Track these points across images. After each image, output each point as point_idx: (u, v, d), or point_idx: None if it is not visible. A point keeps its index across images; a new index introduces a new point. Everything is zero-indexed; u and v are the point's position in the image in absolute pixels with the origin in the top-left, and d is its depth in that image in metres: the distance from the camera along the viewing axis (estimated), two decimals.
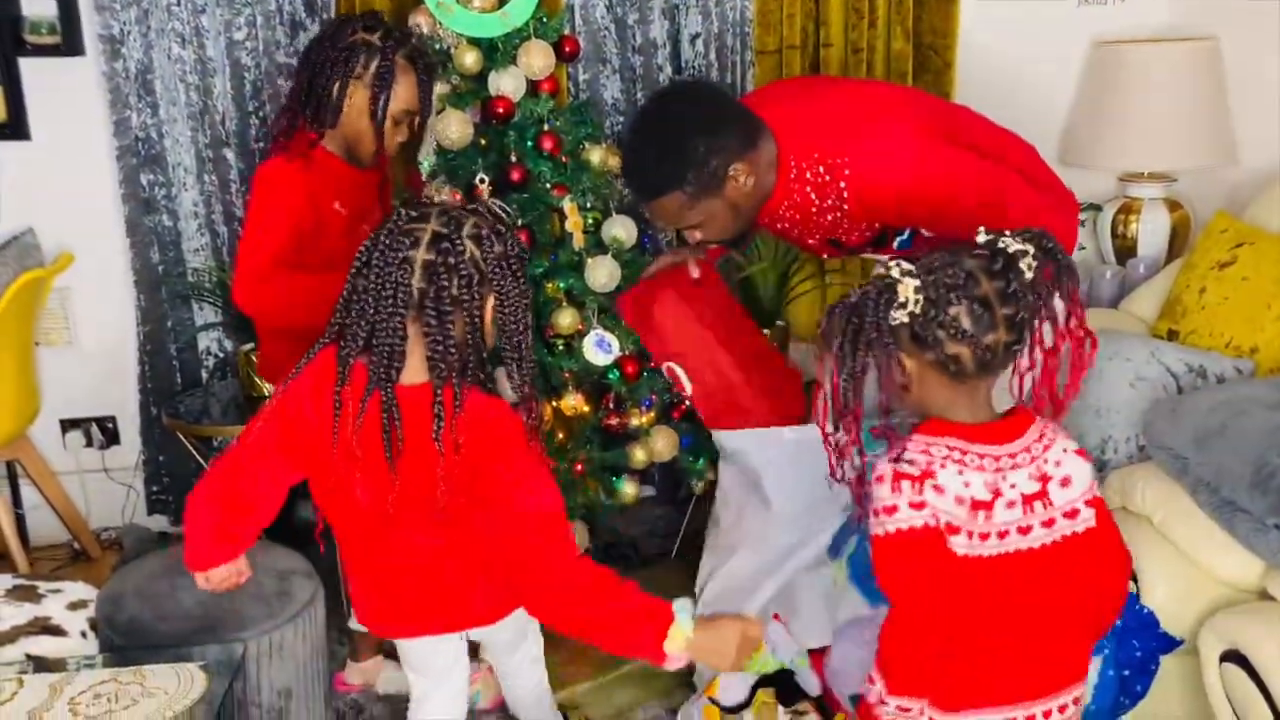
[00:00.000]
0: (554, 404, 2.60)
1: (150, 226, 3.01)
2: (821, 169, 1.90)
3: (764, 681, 2.08)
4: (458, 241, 1.51)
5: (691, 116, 1.92)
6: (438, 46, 2.50)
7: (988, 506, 1.40)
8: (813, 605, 1.93)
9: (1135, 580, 1.85)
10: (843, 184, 1.91)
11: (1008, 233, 1.42)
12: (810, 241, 2.08)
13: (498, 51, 2.52)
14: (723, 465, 2.34)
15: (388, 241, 1.51)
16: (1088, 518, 1.45)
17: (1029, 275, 1.39)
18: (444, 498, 1.55)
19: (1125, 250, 3.09)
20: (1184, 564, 1.83)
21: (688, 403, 2.39)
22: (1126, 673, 1.72)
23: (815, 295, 3.15)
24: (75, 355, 3.12)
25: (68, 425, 3.18)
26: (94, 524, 3.20)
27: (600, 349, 2.55)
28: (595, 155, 2.61)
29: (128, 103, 2.92)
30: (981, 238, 1.43)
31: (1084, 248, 3.14)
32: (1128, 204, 3.09)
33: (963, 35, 3.12)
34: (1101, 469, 2.12)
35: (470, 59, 2.50)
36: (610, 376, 2.61)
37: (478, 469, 1.55)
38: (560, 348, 2.60)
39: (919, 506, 1.39)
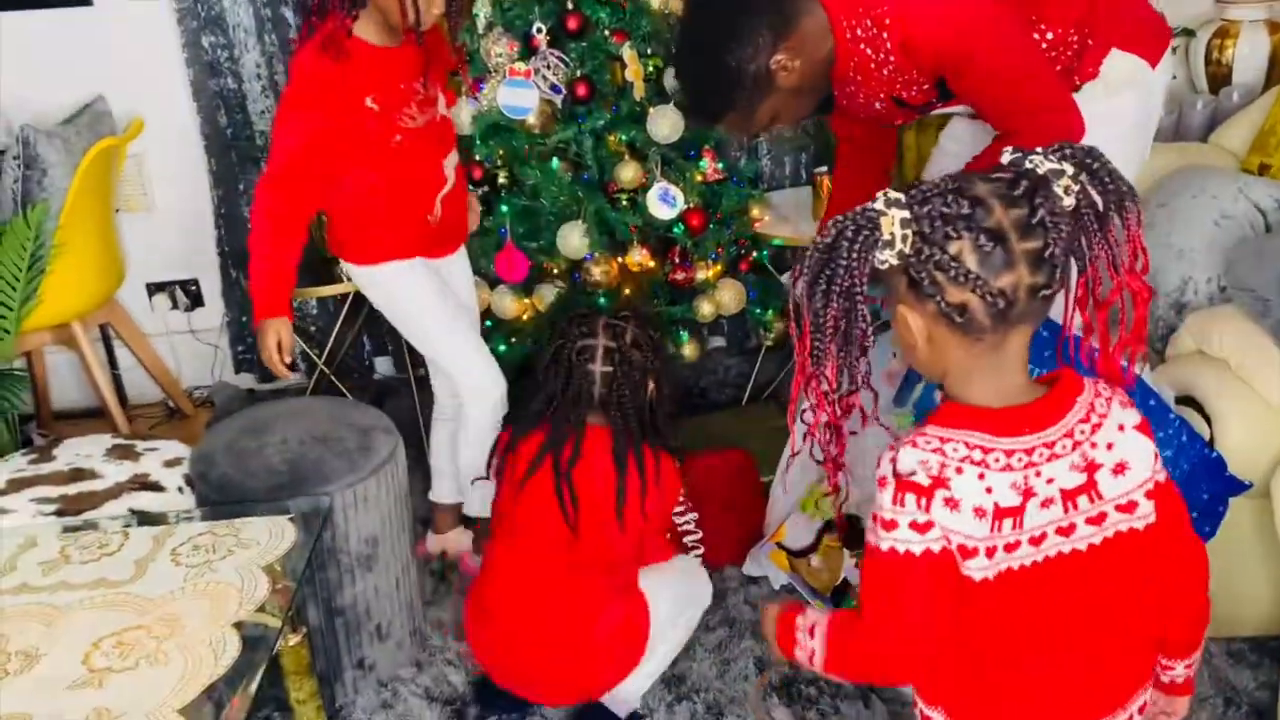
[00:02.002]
0: (620, 259, 2.60)
1: (216, 90, 3.02)
2: (869, 21, 1.80)
3: (829, 527, 2.13)
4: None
5: (713, 30, 1.81)
6: None
7: (1017, 513, 1.14)
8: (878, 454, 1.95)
9: (1209, 423, 1.82)
10: (885, 34, 1.82)
11: (1040, 150, 1.15)
12: (877, 104, 2.00)
13: None
14: None
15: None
16: (1147, 513, 1.19)
17: (1068, 200, 1.12)
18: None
19: (1220, 78, 2.92)
20: (1262, 408, 1.79)
21: None
22: (1195, 515, 1.71)
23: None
24: (155, 220, 3.19)
25: (154, 289, 3.28)
26: (185, 383, 3.33)
27: (665, 202, 2.53)
28: (676, 88, 2.51)
29: None
30: (1006, 157, 1.16)
31: (1175, 77, 2.98)
32: (1224, 27, 2.91)
33: None
34: (1180, 311, 2.06)
35: None
36: (675, 230, 2.60)
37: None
38: (624, 202, 2.58)
39: (924, 529, 1.13)
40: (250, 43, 2.99)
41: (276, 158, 2.04)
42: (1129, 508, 1.18)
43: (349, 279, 2.52)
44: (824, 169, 2.76)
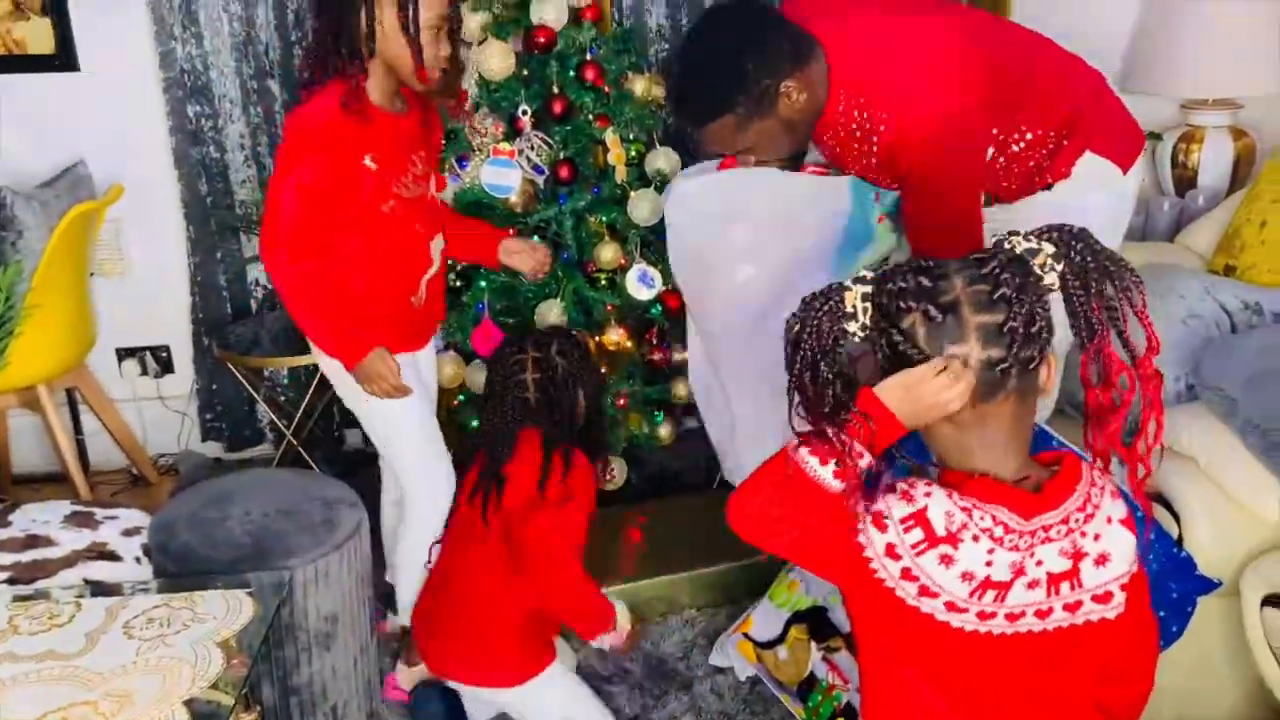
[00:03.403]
0: (597, 339, 2.60)
1: (198, 158, 3.04)
2: (866, 114, 1.87)
3: (797, 618, 2.10)
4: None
5: (737, 37, 1.87)
6: None
7: (1003, 588, 1.17)
8: None
9: (1177, 520, 1.83)
10: (875, 138, 1.89)
11: (1021, 232, 1.19)
12: (854, 170, 2.06)
13: None
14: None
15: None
16: (1119, 603, 1.21)
17: (1048, 278, 1.16)
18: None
19: (1185, 181, 3.00)
20: (1228, 506, 1.80)
21: None
22: (1162, 614, 1.71)
23: None
24: (130, 285, 3.18)
25: (124, 354, 3.26)
26: (151, 450, 3.28)
27: (643, 283, 2.55)
28: (638, 85, 2.57)
29: (173, 34, 2.94)
30: (992, 241, 1.20)
31: (1144, 179, 3.06)
32: (1190, 132, 2.99)
33: None
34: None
35: None
36: (653, 311, 2.61)
37: None
38: (603, 282, 2.60)
39: (894, 557, 1.16)
40: (235, 113, 3.02)
41: (282, 210, 1.98)
42: (1104, 598, 1.20)
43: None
44: None
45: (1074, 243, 1.17)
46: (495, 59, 2.46)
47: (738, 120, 1.85)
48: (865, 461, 1.18)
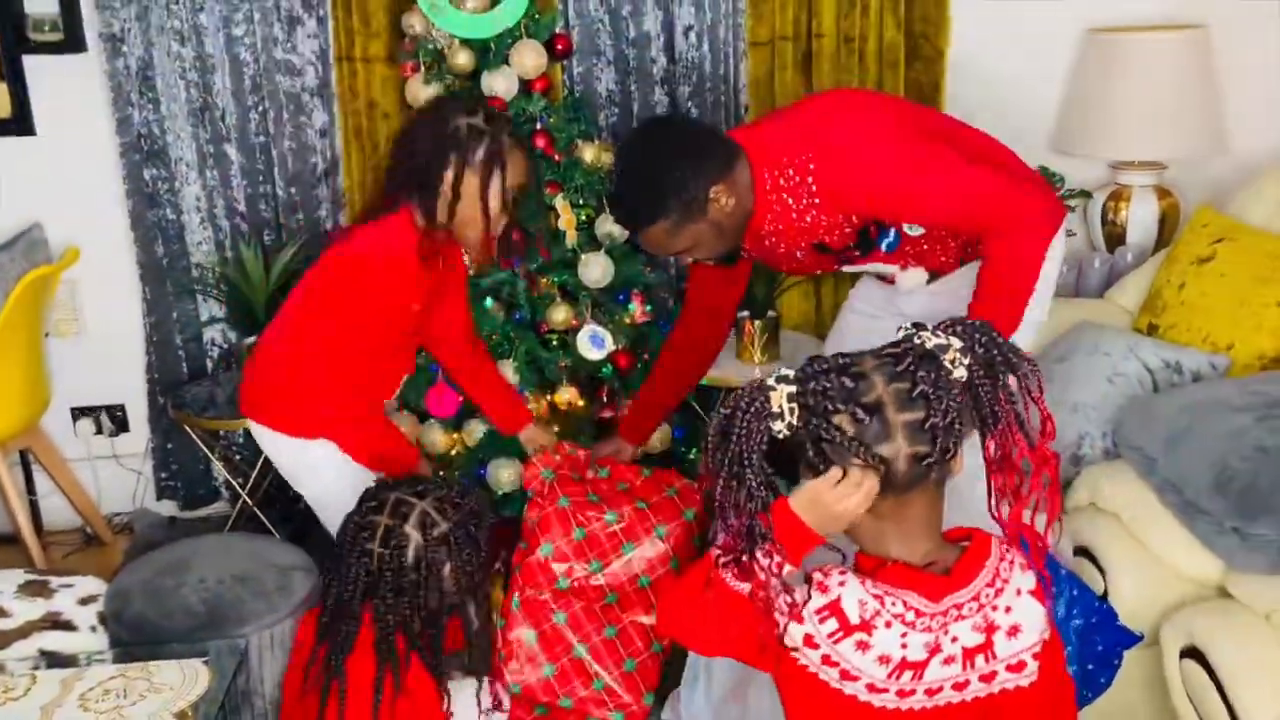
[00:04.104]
0: (549, 398, 2.66)
1: (154, 220, 3.07)
2: (791, 170, 1.95)
3: None
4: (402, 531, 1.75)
5: (668, 147, 1.98)
6: (430, 47, 2.54)
7: (920, 667, 1.22)
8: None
9: (1102, 575, 1.91)
10: (810, 179, 1.96)
11: (930, 326, 1.25)
12: (798, 253, 2.11)
13: (490, 51, 2.56)
14: None
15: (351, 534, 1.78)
16: (1033, 672, 1.26)
17: (958, 373, 1.22)
18: None
19: (1115, 237, 3.12)
20: (1149, 561, 1.89)
21: None
22: (1090, 666, 1.79)
23: (807, 286, 3.19)
24: (84, 345, 3.19)
25: (78, 413, 3.26)
26: (105, 509, 3.28)
27: (594, 344, 2.62)
28: (588, 153, 2.66)
29: (130, 100, 2.98)
30: (899, 334, 1.26)
31: (1074, 234, 3.18)
32: (1118, 191, 3.12)
33: (954, 23, 3.14)
34: (1076, 464, 2.17)
35: (463, 59, 2.55)
36: (604, 371, 2.68)
37: None
38: (555, 343, 2.66)
39: (813, 646, 1.23)
40: (192, 176, 3.06)
41: (324, 340, 2.05)
42: (1018, 667, 1.26)
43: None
44: (747, 313, 2.87)
45: (978, 335, 1.24)
46: None
47: (671, 224, 1.94)
48: (786, 571, 1.24)
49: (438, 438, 2.73)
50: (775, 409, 1.22)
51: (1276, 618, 1.67)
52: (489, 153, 2.02)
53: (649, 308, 2.78)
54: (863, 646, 1.21)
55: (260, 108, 3.03)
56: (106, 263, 3.09)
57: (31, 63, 2.98)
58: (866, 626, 1.21)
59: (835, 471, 1.22)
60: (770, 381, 1.23)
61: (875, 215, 2.05)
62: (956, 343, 1.23)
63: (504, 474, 2.63)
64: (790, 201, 1.98)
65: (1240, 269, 2.30)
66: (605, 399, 2.73)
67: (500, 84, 2.55)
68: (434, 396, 2.68)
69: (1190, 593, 1.85)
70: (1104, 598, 1.88)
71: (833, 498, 1.22)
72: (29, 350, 2.87)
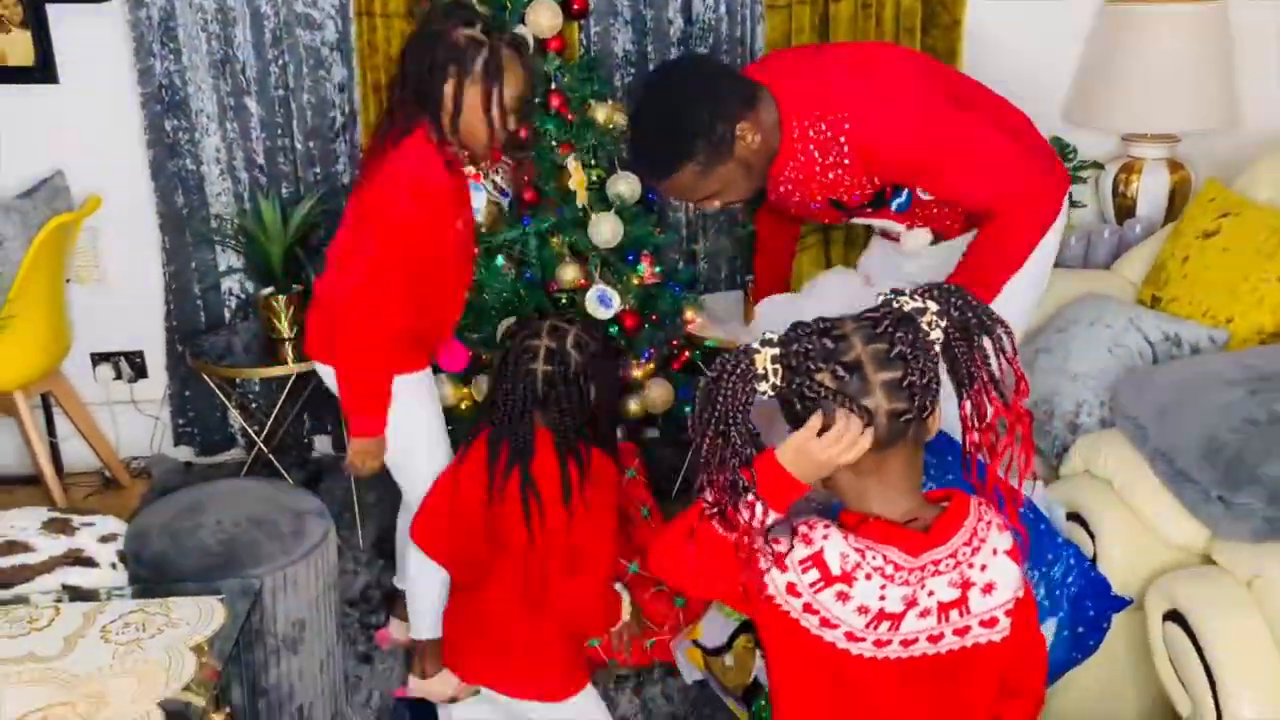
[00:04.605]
0: None
1: (174, 171, 3.12)
2: (823, 125, 1.94)
3: (744, 628, 2.22)
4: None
5: (689, 88, 1.95)
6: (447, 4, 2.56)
7: (897, 618, 1.29)
8: None
9: (1093, 539, 1.96)
10: (843, 138, 1.95)
11: (908, 290, 1.31)
12: (813, 205, 2.13)
13: (506, 10, 2.58)
14: None
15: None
16: (1004, 628, 1.33)
17: (934, 334, 1.28)
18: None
19: (1125, 210, 3.14)
20: (1139, 528, 1.93)
21: None
22: (1081, 630, 1.84)
23: (818, 251, 3.22)
24: (105, 292, 3.26)
25: (98, 359, 3.33)
26: (123, 453, 3.36)
27: (602, 303, 2.65)
28: (600, 113, 2.68)
29: (151, 50, 3.01)
30: (879, 299, 1.31)
31: (1084, 205, 3.20)
32: (1130, 163, 3.13)
33: None
34: (1074, 432, 2.21)
35: None
36: (611, 330, 2.72)
37: None
38: (564, 301, 2.70)
39: (795, 594, 1.29)
40: (212, 128, 3.10)
41: (381, 270, 2.04)
42: (990, 623, 1.32)
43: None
44: (752, 278, 2.90)
45: (954, 299, 1.29)
46: None
47: (699, 167, 1.92)
48: (772, 519, 1.30)
49: (448, 391, 2.78)
50: (760, 371, 1.28)
51: (1257, 584, 1.72)
52: (486, 63, 2.02)
53: (658, 269, 2.82)
54: (843, 597, 1.27)
55: (280, 61, 3.06)
56: (127, 211, 3.15)
57: (55, 11, 3.02)
58: (847, 578, 1.27)
59: (815, 419, 1.27)
60: (755, 345, 1.29)
61: (899, 181, 2.07)
62: (933, 306, 1.28)
63: None
64: (817, 155, 1.97)
65: (1243, 243, 2.32)
66: None
67: None
68: (445, 352, 2.73)
69: (1176, 559, 1.89)
70: (1093, 561, 1.93)
71: (817, 446, 1.27)
72: (51, 296, 2.94)
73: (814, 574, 1.28)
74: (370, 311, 2.05)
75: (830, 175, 2.02)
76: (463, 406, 2.80)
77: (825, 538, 1.29)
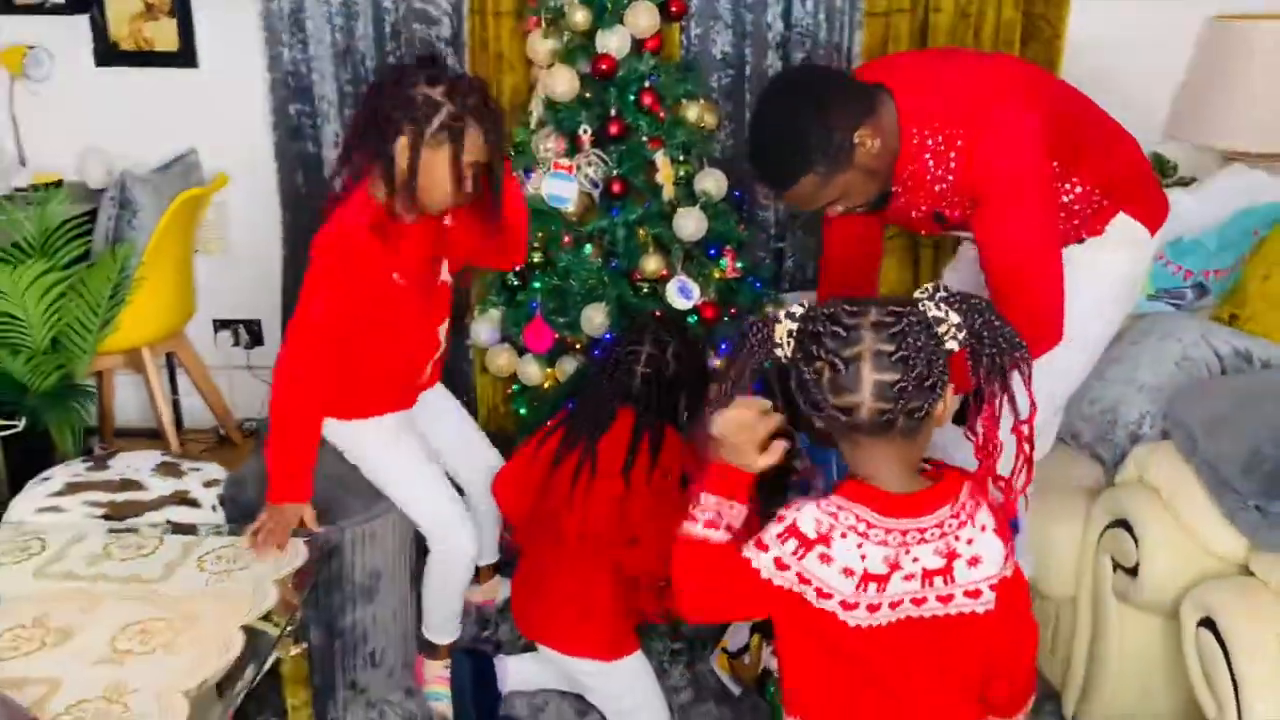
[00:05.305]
0: None
1: (296, 153, 3.34)
2: (940, 138, 1.95)
3: (754, 628, 2.36)
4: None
5: (805, 98, 1.93)
6: (551, 3, 2.71)
7: (882, 580, 1.35)
8: None
9: (1136, 544, 1.98)
10: (953, 155, 1.95)
11: (941, 294, 1.34)
12: (915, 213, 2.13)
13: (606, 10, 2.71)
14: None
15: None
16: (989, 601, 1.38)
17: (950, 345, 1.32)
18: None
19: None
20: (1183, 537, 1.95)
21: None
22: None
23: (904, 256, 3.26)
24: (228, 263, 3.51)
25: (219, 325, 3.59)
26: (237, 414, 3.61)
27: (682, 294, 2.76)
28: (691, 112, 2.79)
29: (281, 39, 3.23)
30: (918, 293, 1.36)
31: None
32: None
33: (1074, 4, 3.14)
34: (1135, 442, 2.23)
35: (580, 17, 2.71)
36: (690, 320, 2.82)
37: None
38: (646, 290, 2.82)
39: (781, 567, 1.36)
40: (332, 113, 3.31)
41: (308, 332, 2.07)
42: (974, 594, 1.38)
43: None
44: None
45: (978, 316, 1.33)
46: (561, 83, 2.70)
47: (819, 178, 1.90)
48: (738, 510, 1.42)
49: (533, 371, 2.92)
50: (777, 339, 1.36)
51: None
52: (443, 126, 1.96)
53: (740, 264, 2.90)
54: (825, 559, 1.34)
55: (397, 54, 3.24)
56: (252, 189, 3.38)
57: (197, 1, 3.28)
58: (824, 539, 1.34)
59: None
60: (780, 314, 1.37)
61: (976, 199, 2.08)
62: (954, 318, 1.32)
63: None
64: (930, 163, 1.98)
65: None
66: None
67: (613, 42, 2.69)
68: (531, 333, 2.88)
69: (1216, 569, 1.90)
70: (1136, 568, 1.96)
71: (730, 430, 1.40)
72: (180, 262, 3.19)
73: (792, 543, 1.35)
74: (295, 378, 2.07)
75: (938, 187, 2.02)
76: (546, 386, 2.94)
77: (798, 510, 1.37)
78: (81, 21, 3.32)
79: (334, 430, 2.22)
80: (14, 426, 2.68)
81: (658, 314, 2.69)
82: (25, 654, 1.71)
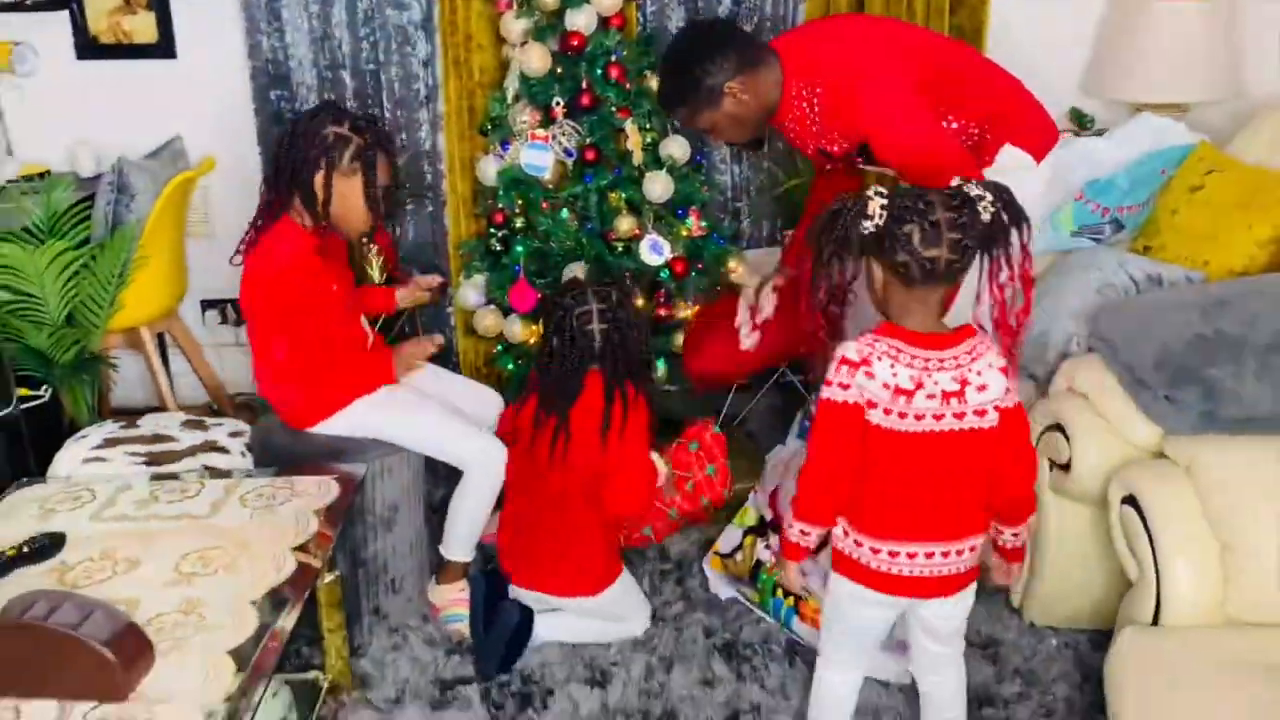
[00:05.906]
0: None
1: (278, 136, 3.50)
2: (806, 90, 2.39)
3: (748, 531, 2.64)
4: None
5: (694, 48, 2.40)
6: None
7: (909, 394, 1.75)
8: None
9: (1069, 442, 2.28)
10: (816, 101, 2.40)
11: (974, 182, 1.77)
12: (809, 150, 2.56)
13: None
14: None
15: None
16: (993, 420, 1.77)
17: (985, 216, 1.73)
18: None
19: None
20: (1108, 433, 2.24)
21: None
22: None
23: None
24: (215, 245, 3.63)
25: (206, 305, 3.76)
26: (228, 389, 3.78)
27: (654, 251, 3.00)
28: (654, 82, 3.02)
29: (259, 28, 3.41)
30: (955, 181, 1.78)
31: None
32: None
33: None
34: (1065, 358, 2.52)
35: None
36: (662, 275, 3.07)
37: None
38: (620, 249, 3.06)
39: (845, 388, 1.79)
40: (311, 98, 3.48)
41: (274, 348, 2.40)
42: (981, 413, 1.79)
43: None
44: (790, 230, 3.23)
45: (1004, 195, 1.77)
46: (535, 59, 2.92)
47: (688, 111, 2.42)
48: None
49: (518, 329, 3.15)
50: (870, 212, 1.74)
51: (1193, 468, 2.03)
52: (353, 158, 2.32)
53: (704, 223, 3.15)
54: (869, 375, 1.78)
55: (371, 39, 3.43)
56: (235, 173, 3.53)
57: None
58: (866, 361, 1.79)
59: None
60: (870, 192, 1.76)
61: (856, 142, 2.44)
62: (989, 195, 1.76)
63: None
64: (805, 109, 2.41)
65: (1224, 197, 2.60)
66: (662, 299, 3.12)
67: (581, 20, 2.92)
68: (515, 294, 3.10)
69: (1136, 456, 2.20)
70: (1069, 464, 2.26)
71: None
72: (174, 244, 3.36)
73: (845, 369, 1.80)
74: (297, 375, 2.40)
75: (814, 127, 2.45)
76: (531, 342, 3.17)
77: (845, 347, 1.81)
78: (62, 17, 3.47)
79: (342, 423, 2.46)
80: (40, 397, 2.84)
81: (574, 279, 2.81)
82: (99, 581, 1.91)
